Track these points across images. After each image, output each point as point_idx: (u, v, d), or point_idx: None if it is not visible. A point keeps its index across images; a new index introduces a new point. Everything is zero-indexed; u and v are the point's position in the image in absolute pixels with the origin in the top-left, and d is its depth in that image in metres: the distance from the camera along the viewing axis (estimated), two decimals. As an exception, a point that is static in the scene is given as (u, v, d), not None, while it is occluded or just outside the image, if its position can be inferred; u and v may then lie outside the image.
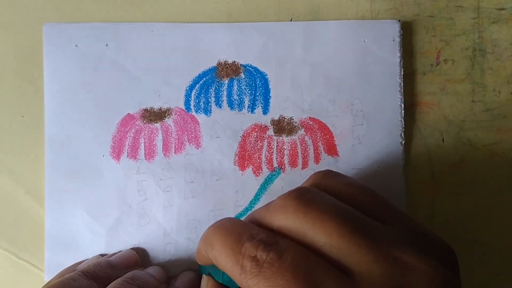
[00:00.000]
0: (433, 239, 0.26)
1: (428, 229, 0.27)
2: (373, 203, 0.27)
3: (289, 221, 0.25)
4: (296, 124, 0.36)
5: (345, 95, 0.36)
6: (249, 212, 0.29)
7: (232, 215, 0.35)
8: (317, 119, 0.36)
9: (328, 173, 0.29)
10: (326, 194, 0.26)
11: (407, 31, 0.37)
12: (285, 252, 0.23)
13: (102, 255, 0.34)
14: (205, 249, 0.26)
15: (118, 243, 0.35)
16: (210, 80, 0.36)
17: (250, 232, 0.25)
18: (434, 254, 0.24)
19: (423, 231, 0.26)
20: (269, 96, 0.36)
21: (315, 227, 0.24)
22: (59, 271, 0.33)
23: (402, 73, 0.36)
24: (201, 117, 0.36)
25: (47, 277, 0.34)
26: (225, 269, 0.25)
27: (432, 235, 0.26)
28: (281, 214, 0.25)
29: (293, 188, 0.26)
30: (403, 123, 0.36)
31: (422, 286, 0.22)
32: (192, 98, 0.36)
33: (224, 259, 0.25)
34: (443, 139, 0.37)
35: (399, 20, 0.36)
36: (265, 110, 0.36)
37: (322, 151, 0.36)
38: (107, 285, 0.29)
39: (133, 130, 0.36)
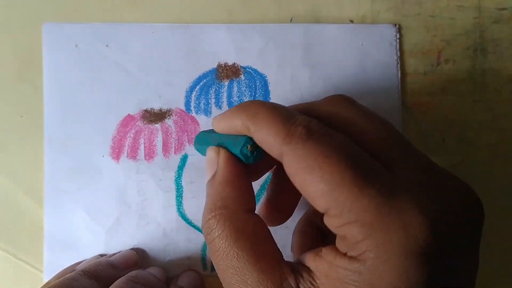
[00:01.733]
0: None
1: None
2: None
3: (341, 112, 0.26)
4: (296, 125, 0.36)
5: (344, 96, 0.36)
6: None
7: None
8: (317, 120, 0.36)
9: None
10: None
11: (408, 31, 0.37)
12: (337, 134, 0.23)
13: (101, 255, 0.34)
14: (243, 116, 0.25)
15: (117, 243, 0.35)
16: (210, 82, 0.36)
17: (300, 113, 0.25)
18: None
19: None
20: (269, 97, 0.36)
21: (367, 122, 0.25)
22: (58, 272, 0.33)
23: (400, 75, 0.36)
24: (201, 118, 0.36)
25: (46, 278, 0.34)
26: (266, 135, 0.24)
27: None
28: (332, 106, 0.26)
29: None
30: (402, 124, 0.36)
31: (460, 191, 0.23)
32: (193, 99, 0.36)
33: (268, 125, 0.24)
34: (444, 139, 0.36)
35: (396, 25, 0.36)
36: (265, 111, 0.36)
37: (322, 152, 0.36)
38: (107, 285, 0.29)
39: (133, 131, 0.36)
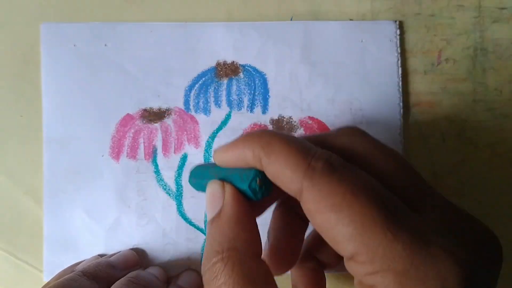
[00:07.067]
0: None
1: None
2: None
3: (359, 144, 0.24)
4: (295, 124, 0.36)
5: (344, 95, 0.36)
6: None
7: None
8: (316, 119, 0.36)
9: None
10: None
11: (408, 30, 0.37)
12: (359, 171, 0.22)
13: (101, 256, 0.34)
14: (254, 146, 0.23)
15: (117, 243, 0.35)
16: (209, 80, 0.36)
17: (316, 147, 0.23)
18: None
19: None
20: (268, 95, 0.36)
21: (384, 154, 0.23)
22: (58, 272, 0.33)
23: (401, 72, 0.36)
24: (200, 117, 0.36)
25: (46, 278, 0.34)
26: (283, 167, 0.22)
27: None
28: (349, 137, 0.24)
29: None
30: (402, 122, 0.36)
31: (483, 236, 0.22)
32: (192, 98, 0.36)
33: (285, 157, 0.22)
34: (444, 139, 0.36)
35: (396, 21, 0.36)
36: (264, 110, 0.36)
37: (322, 151, 0.35)
38: (107, 285, 0.29)
39: (132, 130, 0.36)
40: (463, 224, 0.22)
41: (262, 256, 0.23)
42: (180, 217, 0.35)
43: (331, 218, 0.20)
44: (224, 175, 0.25)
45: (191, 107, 0.36)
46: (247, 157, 0.23)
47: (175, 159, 0.35)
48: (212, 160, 0.35)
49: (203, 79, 0.36)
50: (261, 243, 0.23)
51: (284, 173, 0.22)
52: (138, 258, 0.34)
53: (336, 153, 0.23)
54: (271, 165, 0.22)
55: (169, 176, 0.35)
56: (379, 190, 0.21)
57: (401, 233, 0.19)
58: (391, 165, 0.23)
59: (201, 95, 0.36)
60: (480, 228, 0.22)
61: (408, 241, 0.19)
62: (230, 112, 0.36)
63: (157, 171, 0.35)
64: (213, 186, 0.25)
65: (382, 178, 0.22)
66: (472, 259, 0.20)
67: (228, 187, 0.24)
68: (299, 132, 0.36)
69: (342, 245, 0.20)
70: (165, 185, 0.35)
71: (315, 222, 0.21)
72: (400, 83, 0.36)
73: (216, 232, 0.23)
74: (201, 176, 0.27)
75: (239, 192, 0.24)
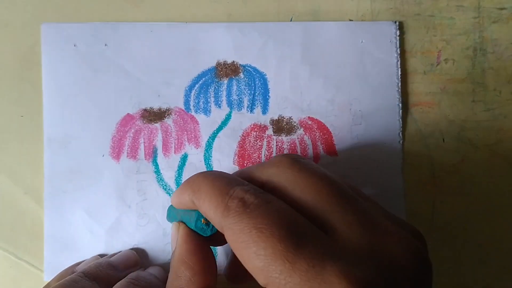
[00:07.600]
0: (404, 221, 0.26)
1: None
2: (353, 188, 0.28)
3: (282, 174, 0.25)
4: (295, 124, 0.36)
5: (343, 95, 0.36)
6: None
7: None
8: (316, 119, 0.36)
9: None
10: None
11: (408, 31, 0.37)
12: (272, 201, 0.23)
13: (101, 256, 0.34)
14: (189, 191, 0.26)
15: (117, 243, 0.35)
16: (209, 80, 0.36)
17: (240, 182, 0.25)
18: (408, 230, 0.25)
19: (393, 215, 0.27)
20: (268, 96, 0.36)
21: (306, 182, 0.24)
22: (58, 272, 0.33)
23: (400, 73, 0.36)
24: (200, 117, 0.36)
25: (47, 278, 0.34)
26: (208, 209, 0.24)
27: (402, 219, 0.27)
28: (275, 168, 0.26)
29: None
30: (401, 122, 0.36)
31: (399, 251, 0.22)
32: (192, 98, 0.36)
33: (209, 200, 0.24)
34: (443, 139, 0.36)
35: (396, 22, 0.36)
36: (264, 110, 0.36)
37: (321, 151, 0.36)
38: (108, 286, 0.29)
39: (132, 130, 0.36)
40: (380, 243, 0.22)
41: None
42: (180, 217, 0.35)
43: (243, 254, 0.22)
44: (181, 216, 0.28)
45: (191, 107, 0.36)
46: (186, 201, 0.26)
47: (176, 159, 0.36)
48: (212, 160, 0.35)
49: (203, 79, 0.36)
50: (210, 276, 0.26)
51: (210, 214, 0.24)
52: (139, 258, 0.34)
53: (261, 185, 0.25)
54: (201, 208, 0.25)
55: (169, 176, 0.35)
56: (288, 219, 0.22)
57: (299, 261, 0.20)
58: (312, 191, 0.24)
59: (201, 95, 0.36)
60: (403, 245, 0.23)
61: (304, 268, 0.20)
62: (230, 112, 0.36)
63: (157, 171, 0.35)
64: (172, 227, 0.29)
65: (301, 204, 0.24)
66: (374, 279, 0.20)
67: (181, 229, 0.27)
68: (299, 133, 0.36)
69: (257, 277, 0.22)
70: (165, 185, 0.35)
71: (237, 256, 0.23)
72: (400, 83, 0.36)
73: (170, 269, 0.27)
74: (172, 215, 0.30)
75: (192, 231, 0.27)
